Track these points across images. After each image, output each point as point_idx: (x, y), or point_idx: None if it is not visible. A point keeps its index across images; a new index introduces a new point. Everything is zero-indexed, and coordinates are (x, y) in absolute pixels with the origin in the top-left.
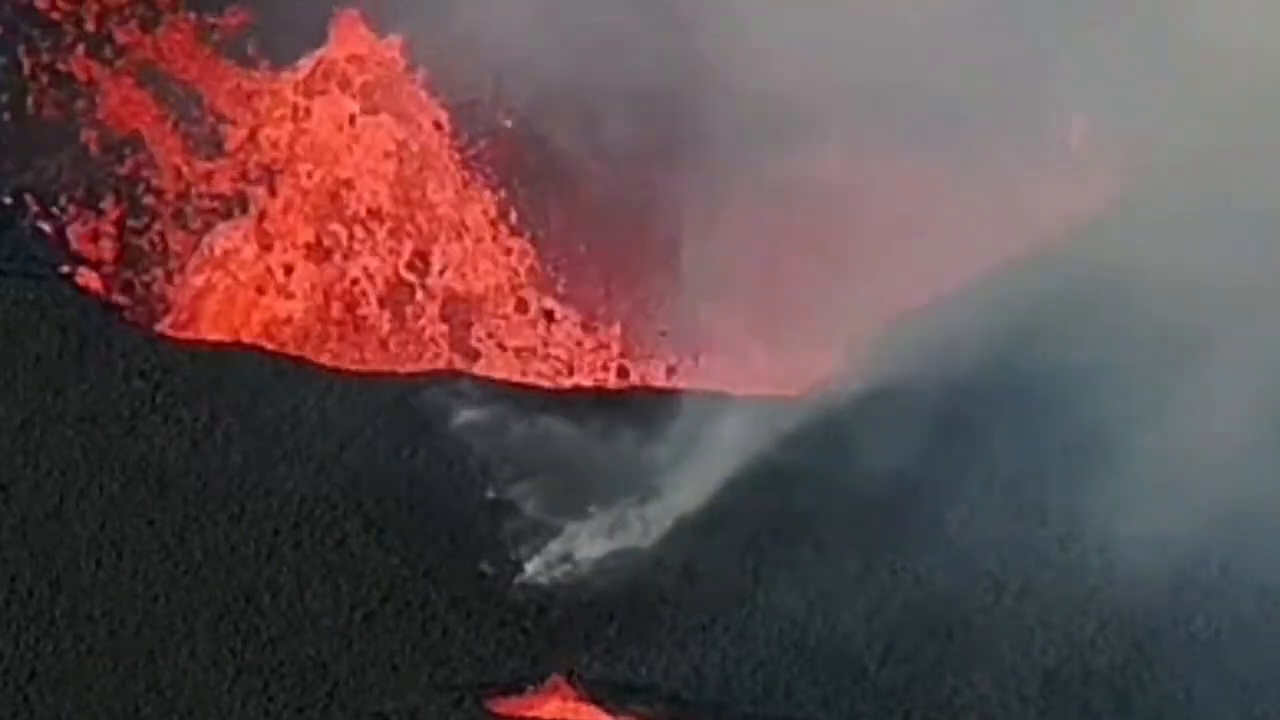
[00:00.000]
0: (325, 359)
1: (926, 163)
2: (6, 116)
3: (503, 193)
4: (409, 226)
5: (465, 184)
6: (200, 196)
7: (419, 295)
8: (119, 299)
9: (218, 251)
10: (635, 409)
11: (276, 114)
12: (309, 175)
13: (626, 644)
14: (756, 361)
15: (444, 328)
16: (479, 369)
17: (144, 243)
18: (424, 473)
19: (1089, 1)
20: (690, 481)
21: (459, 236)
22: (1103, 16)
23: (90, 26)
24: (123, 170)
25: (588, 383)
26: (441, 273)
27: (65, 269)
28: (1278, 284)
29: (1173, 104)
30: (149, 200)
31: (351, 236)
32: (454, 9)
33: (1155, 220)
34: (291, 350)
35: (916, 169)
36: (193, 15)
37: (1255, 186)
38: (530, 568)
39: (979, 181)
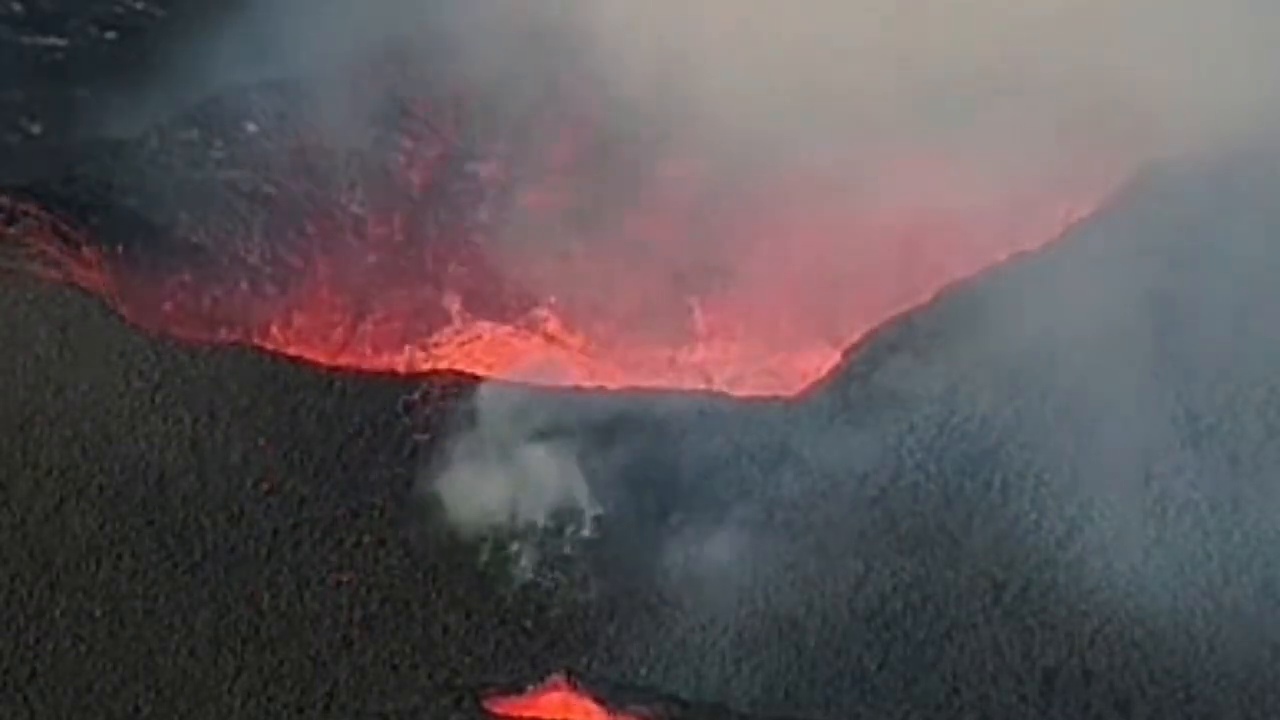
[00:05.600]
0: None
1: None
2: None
3: None
4: None
5: None
6: None
7: None
8: (119, 299)
9: None
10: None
11: None
12: None
13: (626, 644)
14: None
15: None
16: None
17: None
18: (424, 473)
19: None
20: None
21: None
22: None
23: None
24: None
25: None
26: None
27: (65, 269)
28: None
29: None
30: None
31: None
32: None
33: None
34: (291, 350)
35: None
36: None
37: None
38: (530, 568)
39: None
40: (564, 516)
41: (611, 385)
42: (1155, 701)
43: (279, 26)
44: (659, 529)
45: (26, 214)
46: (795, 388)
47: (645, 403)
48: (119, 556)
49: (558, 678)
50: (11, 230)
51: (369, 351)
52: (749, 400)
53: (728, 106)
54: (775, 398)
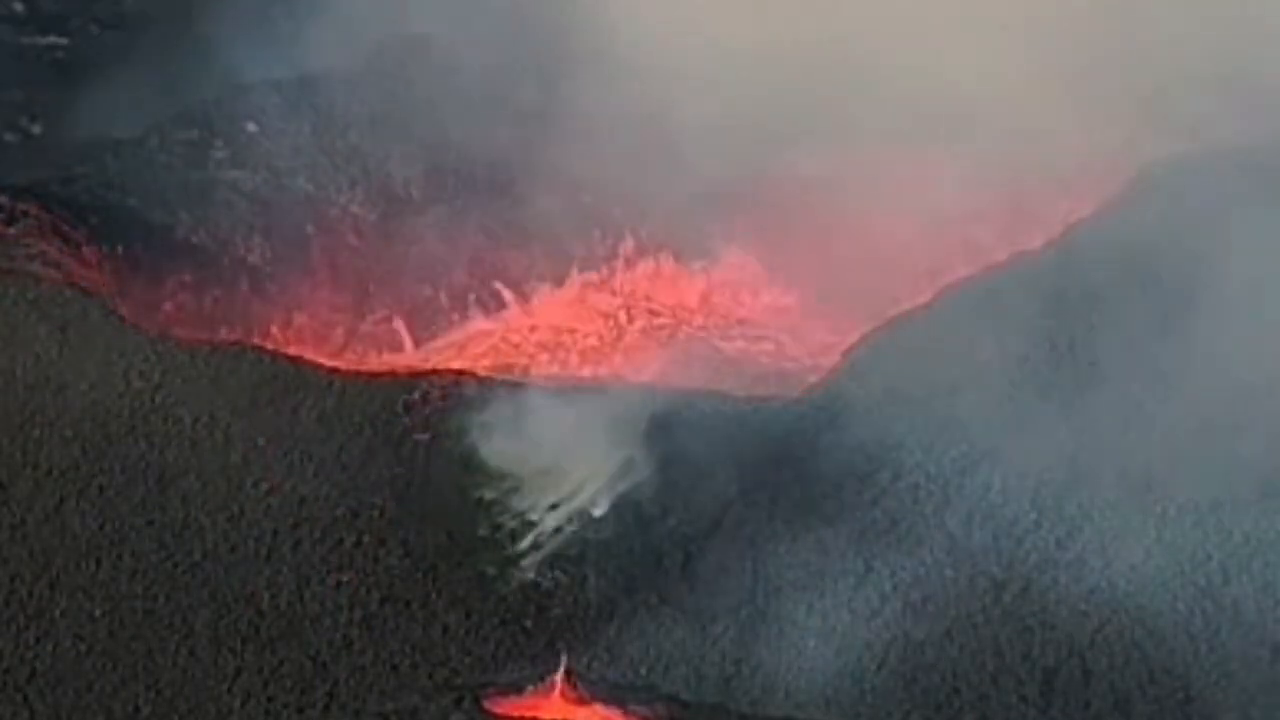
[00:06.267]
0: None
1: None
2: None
3: None
4: None
5: None
6: None
7: None
8: (119, 299)
9: None
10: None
11: None
12: None
13: (626, 644)
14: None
15: None
16: None
17: None
18: (424, 473)
19: None
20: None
21: None
22: None
23: None
24: None
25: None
26: None
27: (65, 269)
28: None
29: None
30: None
31: None
32: None
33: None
34: (291, 350)
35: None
36: None
37: None
38: (530, 567)
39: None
40: (564, 516)
41: (611, 385)
42: (1155, 701)
43: (279, 26)
44: (660, 529)
45: (26, 214)
46: (796, 387)
47: (645, 402)
48: (119, 556)
49: (558, 678)
50: (11, 230)
51: (369, 351)
52: (749, 400)
53: (728, 106)
54: (775, 398)
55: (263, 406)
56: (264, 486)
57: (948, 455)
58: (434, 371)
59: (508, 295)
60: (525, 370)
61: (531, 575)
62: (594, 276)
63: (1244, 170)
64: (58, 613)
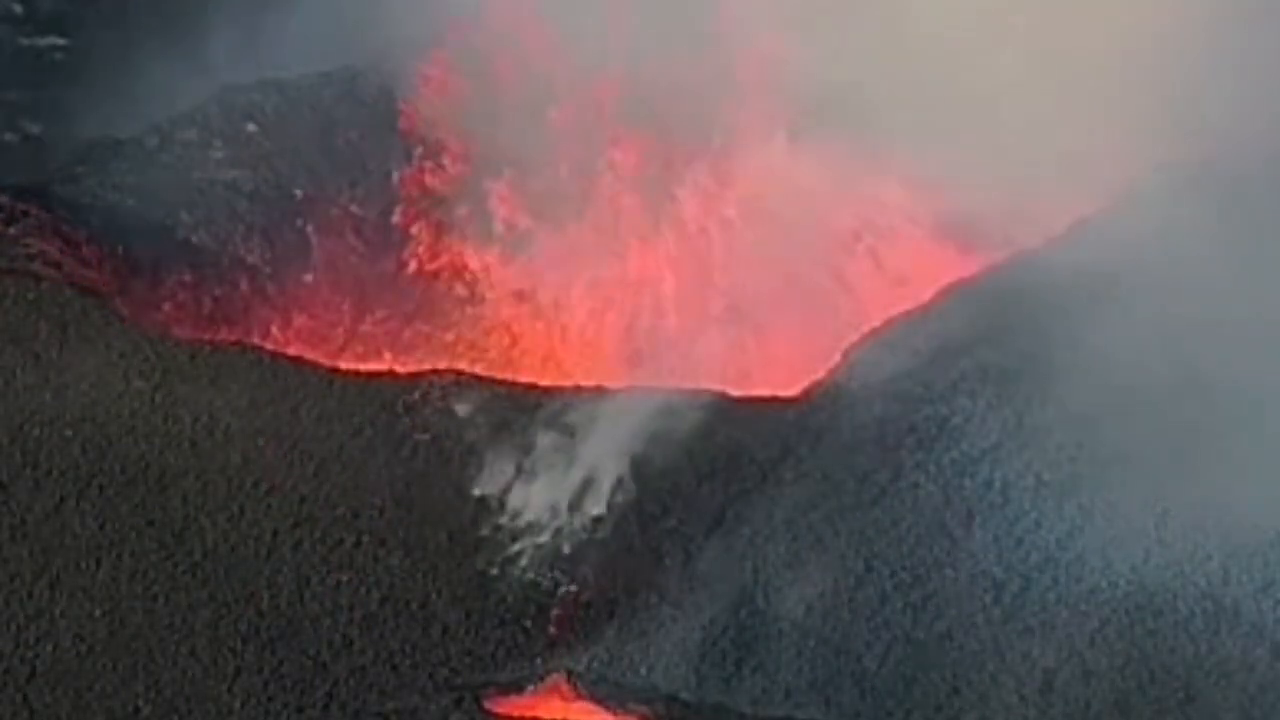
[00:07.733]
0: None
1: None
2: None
3: None
4: None
5: None
6: None
7: None
8: (119, 299)
9: None
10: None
11: None
12: None
13: (626, 644)
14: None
15: None
16: None
17: None
18: (424, 473)
19: None
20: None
21: None
22: None
23: None
24: None
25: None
26: None
27: (65, 269)
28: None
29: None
30: None
31: None
32: None
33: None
34: (291, 350)
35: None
36: None
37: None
38: (530, 568)
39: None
40: (564, 516)
41: (612, 384)
42: (1155, 701)
43: (278, 26)
44: (659, 529)
45: (26, 214)
46: (795, 388)
47: (646, 401)
48: (119, 556)
49: (558, 678)
50: (11, 230)
51: (369, 351)
52: (749, 400)
53: (727, 104)
54: (775, 398)
55: (263, 406)
56: (264, 486)
57: (948, 455)
58: (434, 371)
59: (508, 297)
60: (527, 370)
61: (531, 575)
62: (601, 276)
63: (1247, 174)
64: (58, 613)
